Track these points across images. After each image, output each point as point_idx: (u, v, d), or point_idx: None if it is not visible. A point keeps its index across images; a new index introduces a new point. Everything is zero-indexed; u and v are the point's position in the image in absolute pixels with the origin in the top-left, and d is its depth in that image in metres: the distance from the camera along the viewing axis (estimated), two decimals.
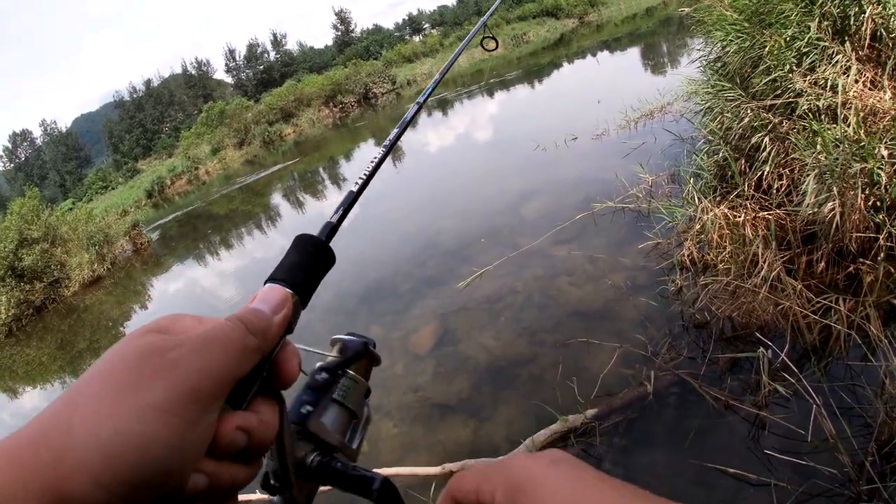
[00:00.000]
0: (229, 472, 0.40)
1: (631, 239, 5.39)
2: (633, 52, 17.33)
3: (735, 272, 3.80)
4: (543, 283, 5.37)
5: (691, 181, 4.93)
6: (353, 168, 18.63)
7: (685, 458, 2.93)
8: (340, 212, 0.57)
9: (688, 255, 4.44)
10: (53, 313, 14.87)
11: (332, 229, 0.55)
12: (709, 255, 4.30)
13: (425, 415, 4.27)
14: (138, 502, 0.34)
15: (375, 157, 0.70)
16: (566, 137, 9.62)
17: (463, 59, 45.01)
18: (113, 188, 49.55)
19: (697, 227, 4.43)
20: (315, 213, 14.28)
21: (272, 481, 0.47)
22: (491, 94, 21.31)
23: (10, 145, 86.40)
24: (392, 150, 0.75)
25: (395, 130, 0.78)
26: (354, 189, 0.63)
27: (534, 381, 4.09)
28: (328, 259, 0.51)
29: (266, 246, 13.14)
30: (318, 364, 0.53)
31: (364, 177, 0.65)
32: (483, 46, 1.46)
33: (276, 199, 19.02)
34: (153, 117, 79.76)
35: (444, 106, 23.55)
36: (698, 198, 4.60)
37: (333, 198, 14.87)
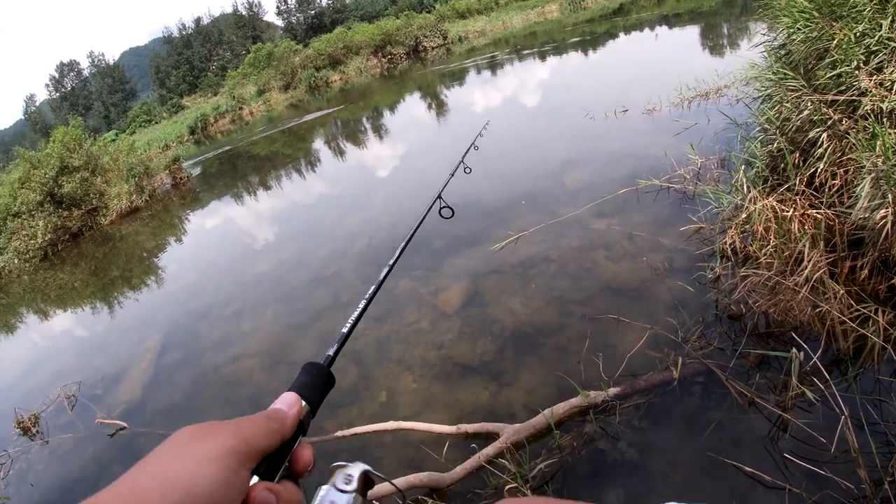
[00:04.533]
0: None
1: (673, 220, 5.30)
2: (693, 30, 16.74)
3: (777, 268, 3.73)
4: (579, 254, 5.34)
5: (742, 168, 4.79)
6: (397, 120, 18.52)
7: (702, 448, 2.94)
8: (336, 346, 0.72)
9: (730, 244, 4.36)
10: (89, 240, 15.28)
11: (331, 360, 0.69)
12: (751, 246, 4.21)
13: (446, 373, 4.33)
14: None
15: (361, 304, 0.85)
16: (616, 109, 9.43)
17: (518, 19, 44.13)
18: (156, 122, 50.13)
19: (743, 216, 4.34)
20: (354, 161, 14.29)
21: None
22: (543, 58, 20.84)
23: (56, 75, 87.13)
24: (374, 297, 0.90)
25: (373, 287, 0.93)
26: (345, 330, 0.77)
27: (559, 352, 4.11)
28: (330, 381, 0.65)
29: (304, 190, 13.25)
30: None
31: (352, 321, 0.80)
32: (441, 215, 1.56)
33: (318, 144, 19.07)
34: (201, 55, 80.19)
35: (494, 66, 23.15)
36: (747, 186, 4.49)
37: (375, 148, 14.88)
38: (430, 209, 1.52)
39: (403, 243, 1.17)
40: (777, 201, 4.16)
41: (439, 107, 18.14)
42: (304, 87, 41.78)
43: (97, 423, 5.52)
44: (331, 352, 0.69)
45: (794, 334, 3.14)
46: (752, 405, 3.06)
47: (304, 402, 0.59)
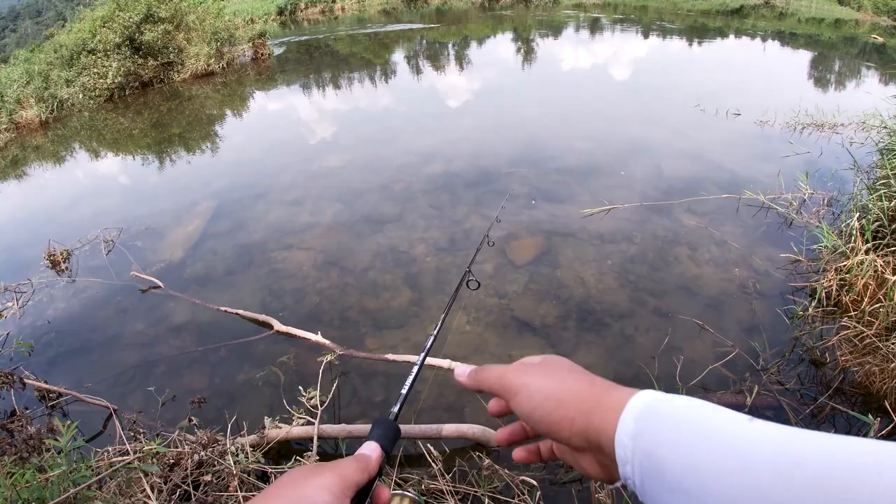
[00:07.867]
0: None
1: (770, 242, 5.07)
2: (804, 56, 15.77)
3: (876, 328, 3.53)
4: (662, 245, 5.14)
5: (857, 215, 4.50)
6: (483, 54, 18.06)
7: None
8: (399, 405, 0.83)
9: (826, 288, 4.14)
10: (157, 93, 15.24)
11: (396, 416, 0.80)
12: (846, 296, 4.01)
13: (503, 324, 4.23)
14: None
15: (417, 363, 0.93)
16: (729, 110, 9.02)
17: None
18: None
19: (846, 263, 4.11)
20: (428, 86, 13.93)
21: None
22: (646, 36, 19.94)
23: None
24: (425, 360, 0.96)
25: (423, 353, 0.98)
26: (404, 391, 0.86)
27: (623, 339, 3.99)
28: (397, 434, 0.76)
29: (371, 99, 13.03)
30: None
31: (410, 382, 0.88)
32: (468, 286, 1.66)
33: (398, 57, 18.63)
34: None
35: (595, 29, 22.06)
36: (854, 236, 4.26)
37: (452, 77, 14.50)
38: (459, 287, 1.51)
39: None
40: (882, 259, 3.94)
41: (528, 52, 17.50)
42: None
43: (132, 276, 5.45)
44: (395, 409, 0.83)
45: (886, 403, 2.98)
46: None
47: (381, 450, 0.71)
